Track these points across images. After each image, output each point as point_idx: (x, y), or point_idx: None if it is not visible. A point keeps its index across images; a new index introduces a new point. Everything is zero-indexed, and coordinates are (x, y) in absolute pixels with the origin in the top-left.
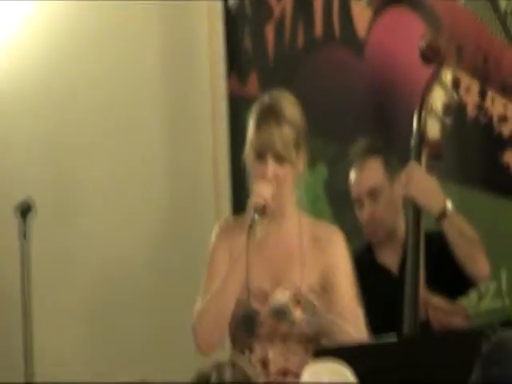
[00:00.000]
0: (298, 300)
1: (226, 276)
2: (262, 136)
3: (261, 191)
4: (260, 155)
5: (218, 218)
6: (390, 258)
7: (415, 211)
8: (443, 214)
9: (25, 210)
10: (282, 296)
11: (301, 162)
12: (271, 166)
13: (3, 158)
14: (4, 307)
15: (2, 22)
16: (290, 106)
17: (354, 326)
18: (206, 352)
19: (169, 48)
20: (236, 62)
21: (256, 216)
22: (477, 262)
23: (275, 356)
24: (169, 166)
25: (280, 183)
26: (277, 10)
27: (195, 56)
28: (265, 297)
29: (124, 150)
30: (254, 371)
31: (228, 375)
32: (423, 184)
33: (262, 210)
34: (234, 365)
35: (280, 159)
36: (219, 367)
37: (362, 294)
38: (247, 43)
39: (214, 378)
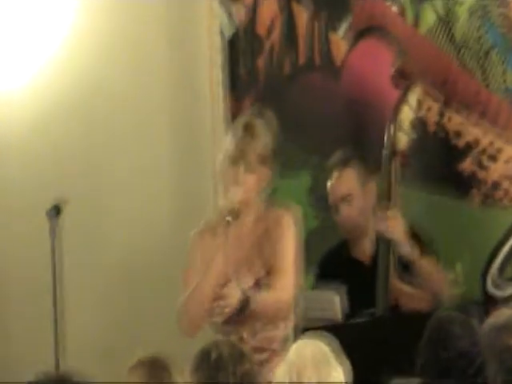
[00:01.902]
0: (258, 285)
1: (204, 272)
2: (238, 147)
3: (233, 196)
4: (233, 163)
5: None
6: (362, 252)
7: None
8: (418, 258)
9: (55, 213)
10: (245, 285)
11: (267, 173)
12: (242, 174)
13: (38, 160)
14: (37, 297)
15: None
16: (263, 126)
17: (279, 291)
18: (190, 335)
19: (175, 76)
20: (232, 87)
21: (229, 218)
22: (443, 292)
23: (248, 336)
24: (177, 168)
25: (248, 190)
26: (267, 44)
27: (199, 81)
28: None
29: (140, 154)
30: (247, 348)
31: (226, 351)
32: (401, 231)
33: (235, 213)
34: (230, 342)
35: (250, 169)
36: (218, 344)
37: (340, 282)
38: (242, 71)
39: (214, 354)
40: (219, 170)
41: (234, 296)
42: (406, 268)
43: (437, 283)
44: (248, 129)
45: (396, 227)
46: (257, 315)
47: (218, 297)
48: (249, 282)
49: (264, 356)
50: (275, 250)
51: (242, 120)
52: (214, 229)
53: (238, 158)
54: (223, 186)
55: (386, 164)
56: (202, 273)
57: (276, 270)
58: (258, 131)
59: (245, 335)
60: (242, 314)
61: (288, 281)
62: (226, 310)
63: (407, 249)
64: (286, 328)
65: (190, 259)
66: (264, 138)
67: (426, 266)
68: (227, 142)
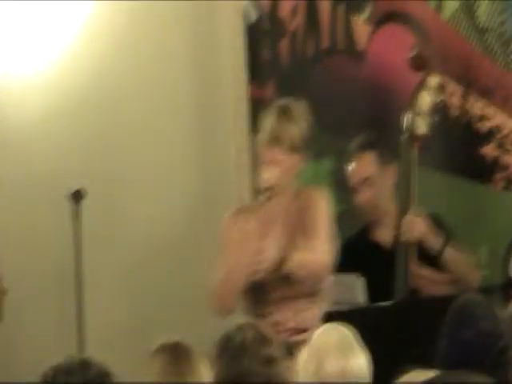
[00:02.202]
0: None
1: (239, 250)
2: (276, 128)
3: (270, 175)
4: (271, 144)
5: (239, 199)
6: (383, 236)
7: (405, 196)
8: (443, 248)
9: (78, 198)
10: (284, 264)
11: (302, 157)
12: (280, 154)
13: (60, 151)
14: (59, 281)
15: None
16: (300, 111)
17: (316, 254)
18: (224, 314)
19: (199, 60)
20: (255, 70)
21: (265, 195)
22: (469, 278)
23: (285, 318)
24: (198, 158)
25: (285, 170)
26: (290, 27)
27: (221, 65)
28: (270, 267)
29: (160, 145)
30: (271, 332)
31: (250, 335)
32: (425, 227)
33: (272, 191)
34: (253, 326)
35: (287, 149)
36: (241, 328)
37: (360, 266)
38: (265, 54)
39: (237, 338)
40: (258, 149)
41: (271, 250)
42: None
43: (464, 269)
44: (287, 111)
45: (418, 229)
46: (294, 276)
47: (256, 252)
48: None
49: (302, 337)
50: (311, 221)
51: (280, 102)
52: (247, 210)
53: (275, 138)
54: (259, 166)
55: (404, 148)
56: (236, 252)
57: (312, 237)
58: (295, 114)
59: (281, 316)
60: (279, 272)
61: (325, 246)
62: (264, 264)
63: (433, 242)
64: (322, 307)
65: (223, 240)
66: (301, 122)
67: (452, 254)
68: (265, 123)
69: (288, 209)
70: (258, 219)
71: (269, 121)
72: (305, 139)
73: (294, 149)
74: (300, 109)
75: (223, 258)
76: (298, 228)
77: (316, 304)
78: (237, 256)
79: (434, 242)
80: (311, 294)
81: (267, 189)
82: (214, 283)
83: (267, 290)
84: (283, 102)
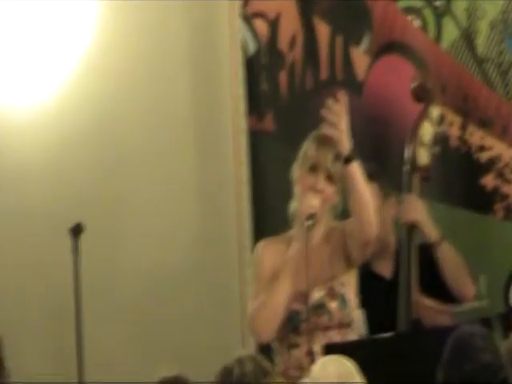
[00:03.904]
0: (331, 295)
1: (277, 280)
2: (319, 155)
3: (312, 201)
4: (314, 170)
5: (239, 231)
6: (383, 267)
7: (409, 227)
8: (439, 242)
9: (77, 231)
10: (318, 294)
11: (339, 188)
12: (322, 181)
13: (60, 183)
14: (59, 314)
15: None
16: None
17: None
18: (263, 341)
19: (198, 93)
20: (254, 102)
21: (308, 222)
22: (463, 285)
23: (319, 347)
24: (198, 189)
25: (325, 198)
26: (288, 58)
27: (220, 98)
28: (303, 297)
29: (160, 177)
30: (270, 364)
31: (248, 368)
32: (424, 213)
33: (313, 217)
34: (253, 359)
35: (329, 177)
36: (241, 361)
37: (361, 297)
38: (264, 86)
39: (236, 371)
40: (295, 175)
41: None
42: (428, 280)
43: (457, 272)
44: (327, 140)
45: (417, 210)
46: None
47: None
48: (320, 292)
49: None
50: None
51: (319, 131)
52: (282, 239)
53: (318, 165)
54: (299, 193)
55: (406, 179)
56: (274, 281)
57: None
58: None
59: (315, 346)
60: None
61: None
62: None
63: (429, 232)
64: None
65: (257, 269)
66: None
67: (447, 250)
68: (306, 150)
69: (324, 244)
70: (303, 243)
71: (310, 147)
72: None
73: (335, 178)
74: None
75: (259, 287)
76: (334, 264)
77: (347, 335)
78: (275, 286)
79: (432, 232)
80: (342, 325)
81: (310, 216)
82: (251, 311)
83: (301, 319)
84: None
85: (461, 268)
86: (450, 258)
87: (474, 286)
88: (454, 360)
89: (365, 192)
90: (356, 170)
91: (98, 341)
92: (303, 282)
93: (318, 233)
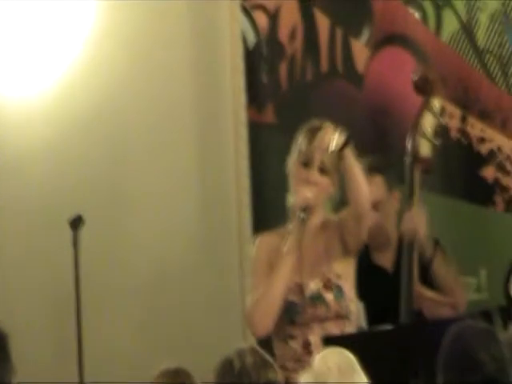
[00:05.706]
0: (328, 287)
1: (274, 273)
2: (312, 148)
3: (305, 194)
4: (307, 164)
5: (240, 222)
6: (385, 259)
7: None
8: (433, 256)
9: (77, 224)
10: (314, 286)
11: (335, 179)
12: (315, 174)
13: (59, 176)
14: (59, 307)
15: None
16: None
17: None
18: (260, 335)
19: (199, 83)
20: (254, 94)
21: (302, 215)
22: (456, 295)
23: (315, 338)
24: (198, 183)
25: (319, 190)
26: (288, 50)
27: (220, 90)
28: (300, 289)
29: (161, 169)
30: (270, 357)
31: (249, 360)
32: (424, 228)
33: (307, 210)
34: (253, 351)
35: (322, 170)
36: (241, 353)
37: (362, 289)
38: (264, 78)
39: (236, 363)
40: (290, 169)
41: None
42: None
43: (451, 285)
44: (317, 133)
45: (418, 223)
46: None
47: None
48: (317, 283)
49: None
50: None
51: (313, 124)
52: (279, 232)
53: (311, 158)
54: (293, 186)
55: (408, 171)
56: (271, 274)
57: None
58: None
59: (311, 338)
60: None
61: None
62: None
63: (426, 245)
64: (350, 330)
65: (255, 263)
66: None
67: (440, 263)
68: (299, 144)
69: (321, 235)
70: (297, 235)
71: (303, 140)
72: (337, 164)
73: (329, 170)
74: (336, 129)
75: (256, 281)
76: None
77: (344, 327)
78: (272, 280)
79: (428, 246)
80: (339, 316)
81: (305, 208)
82: (248, 306)
83: (297, 311)
84: (317, 123)
85: (453, 280)
86: (443, 272)
87: (464, 297)
88: (454, 360)
89: (356, 168)
90: (348, 154)
91: (98, 333)
92: (299, 273)
93: (314, 224)
